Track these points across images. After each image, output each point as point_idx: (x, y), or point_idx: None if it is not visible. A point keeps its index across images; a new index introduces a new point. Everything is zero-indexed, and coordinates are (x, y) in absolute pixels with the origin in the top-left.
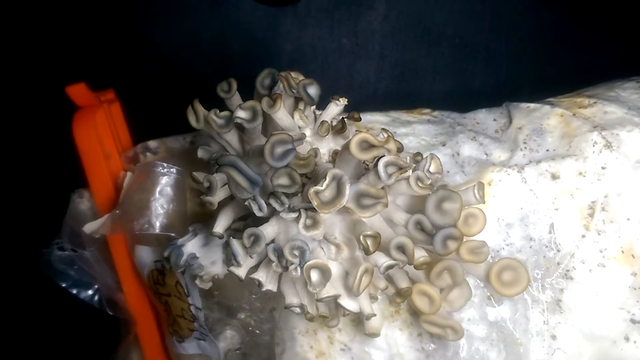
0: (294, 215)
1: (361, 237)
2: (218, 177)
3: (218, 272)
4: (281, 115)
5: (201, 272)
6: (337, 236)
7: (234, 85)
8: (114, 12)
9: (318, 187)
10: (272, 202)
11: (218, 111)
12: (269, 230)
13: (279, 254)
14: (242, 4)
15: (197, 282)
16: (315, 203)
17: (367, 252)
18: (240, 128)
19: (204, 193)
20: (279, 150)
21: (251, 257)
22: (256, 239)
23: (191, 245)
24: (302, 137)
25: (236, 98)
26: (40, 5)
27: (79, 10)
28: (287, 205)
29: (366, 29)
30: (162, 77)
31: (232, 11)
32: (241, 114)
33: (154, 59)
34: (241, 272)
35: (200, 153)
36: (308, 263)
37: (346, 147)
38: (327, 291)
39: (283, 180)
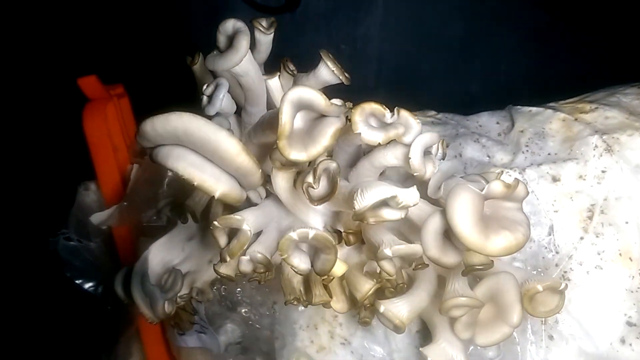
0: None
1: (343, 234)
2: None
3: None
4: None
5: (185, 289)
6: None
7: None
8: (127, 13)
9: (309, 181)
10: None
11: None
12: (252, 218)
13: (258, 261)
14: (240, 11)
15: (196, 301)
16: (306, 195)
17: (348, 244)
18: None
19: None
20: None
21: (229, 259)
22: (239, 233)
23: (161, 245)
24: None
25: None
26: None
27: (92, 6)
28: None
29: (364, 34)
30: (168, 75)
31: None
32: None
33: (160, 59)
34: (228, 270)
35: None
36: (333, 271)
37: (348, 128)
38: (319, 298)
39: None
